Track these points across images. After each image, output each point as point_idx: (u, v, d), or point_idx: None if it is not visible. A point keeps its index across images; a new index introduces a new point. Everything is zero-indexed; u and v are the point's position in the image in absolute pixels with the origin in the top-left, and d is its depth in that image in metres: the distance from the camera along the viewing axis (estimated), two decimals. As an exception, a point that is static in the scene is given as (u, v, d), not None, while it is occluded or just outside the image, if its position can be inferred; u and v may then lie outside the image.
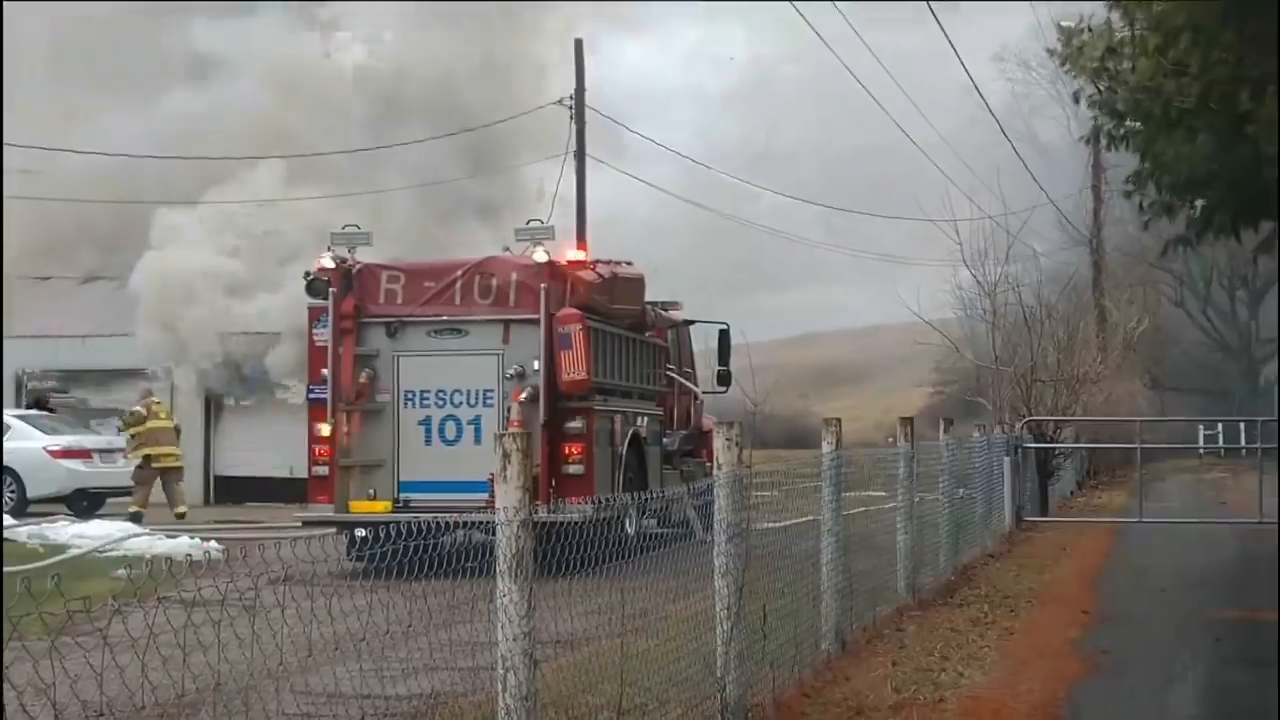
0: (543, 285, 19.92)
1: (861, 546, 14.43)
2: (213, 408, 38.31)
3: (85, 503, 31.10)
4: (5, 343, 36.06)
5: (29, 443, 31.37)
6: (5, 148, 32.34)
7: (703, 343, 27.60)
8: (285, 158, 38.35)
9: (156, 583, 5.99)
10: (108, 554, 20.32)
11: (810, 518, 12.62)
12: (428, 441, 20.38)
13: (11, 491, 30.82)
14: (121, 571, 16.46)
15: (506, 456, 6.76)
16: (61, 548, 20.79)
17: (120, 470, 32.22)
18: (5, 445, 30.95)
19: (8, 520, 24.98)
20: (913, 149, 44.95)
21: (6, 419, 32.14)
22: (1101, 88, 15.56)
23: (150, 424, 29.95)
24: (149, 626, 5.90)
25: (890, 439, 19.26)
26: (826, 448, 12.60)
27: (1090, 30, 15.19)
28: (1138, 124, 15.76)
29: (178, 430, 30.68)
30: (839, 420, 12.92)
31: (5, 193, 34.11)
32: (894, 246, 60.81)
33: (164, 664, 6.00)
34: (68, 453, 31.50)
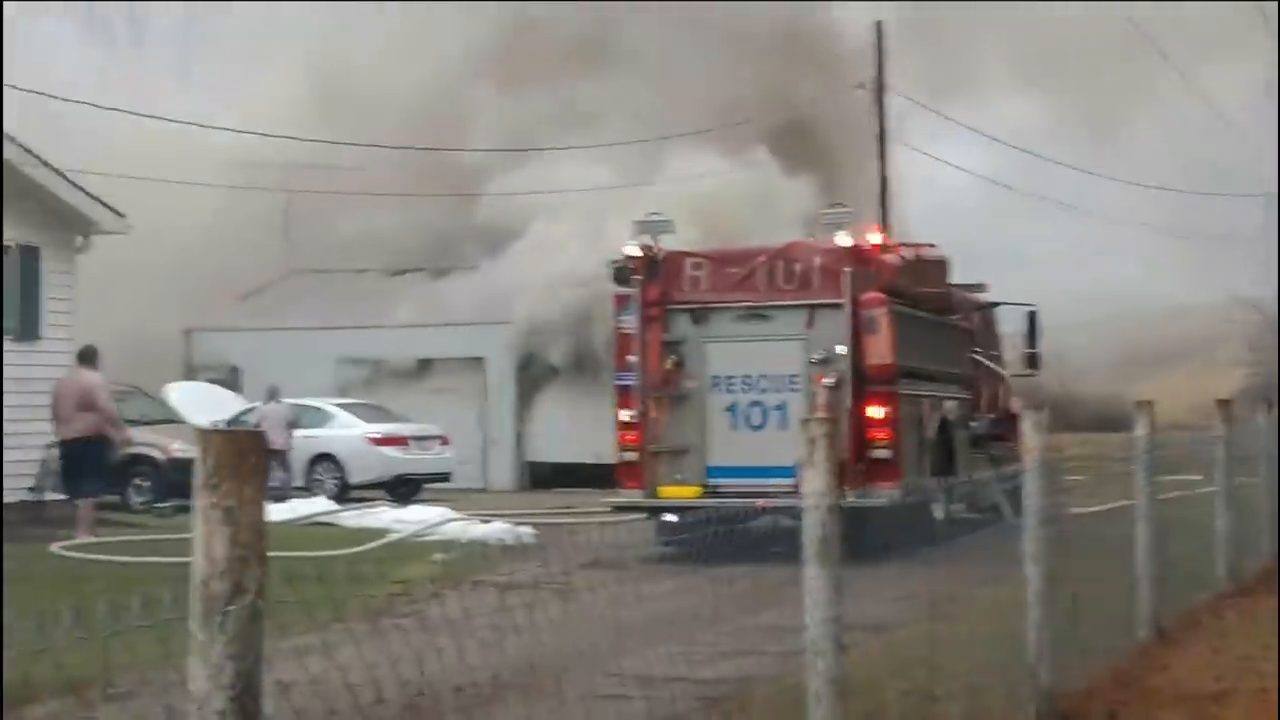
0: (846, 270, 19.83)
1: (1177, 531, 14.04)
2: (521, 394, 39.02)
3: (403, 489, 32.03)
4: (332, 333, 37.56)
5: (351, 430, 32.47)
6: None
7: (1009, 324, 27.18)
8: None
9: (473, 567, 6.15)
10: (425, 538, 20.92)
11: (1124, 502, 12.34)
12: (734, 427, 20.44)
13: (335, 478, 31.92)
14: (440, 555, 16.93)
15: (813, 442, 6.75)
16: (382, 532, 21.46)
17: (434, 457, 33.15)
18: (327, 433, 32.08)
19: (331, 505, 25.93)
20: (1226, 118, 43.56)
21: (328, 408, 33.27)
22: None
23: None
24: (464, 610, 6.07)
25: (1206, 421, 18.71)
26: (1140, 431, 12.32)
27: None
28: None
29: None
30: (1151, 403, 12.61)
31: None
32: (1206, 221, 58.82)
33: (479, 646, 6.15)
34: (386, 440, 32.46)
